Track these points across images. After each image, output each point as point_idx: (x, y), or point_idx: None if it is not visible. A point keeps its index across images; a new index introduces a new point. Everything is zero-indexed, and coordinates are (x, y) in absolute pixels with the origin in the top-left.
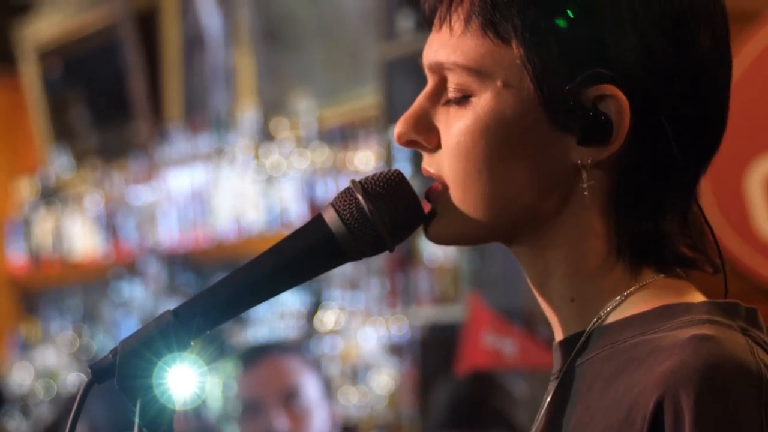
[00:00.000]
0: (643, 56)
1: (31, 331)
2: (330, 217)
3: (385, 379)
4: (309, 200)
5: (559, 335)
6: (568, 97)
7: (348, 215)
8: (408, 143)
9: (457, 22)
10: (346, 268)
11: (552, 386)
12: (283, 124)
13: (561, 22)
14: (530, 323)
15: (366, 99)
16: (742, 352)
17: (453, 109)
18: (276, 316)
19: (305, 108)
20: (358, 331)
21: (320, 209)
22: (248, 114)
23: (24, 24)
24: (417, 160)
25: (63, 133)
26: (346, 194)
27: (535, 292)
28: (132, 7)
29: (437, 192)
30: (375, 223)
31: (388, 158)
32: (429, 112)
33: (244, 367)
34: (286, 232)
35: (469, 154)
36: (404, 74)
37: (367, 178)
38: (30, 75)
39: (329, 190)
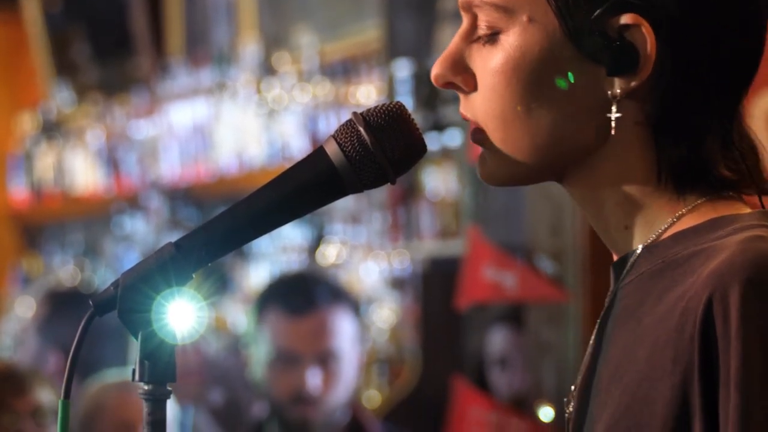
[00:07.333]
0: None
1: (33, 266)
2: (332, 149)
3: (386, 313)
4: (311, 134)
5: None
6: (593, 28)
7: (350, 147)
8: (446, 85)
9: None
10: (348, 202)
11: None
12: (285, 59)
13: None
14: (531, 257)
15: (368, 33)
16: None
17: (485, 49)
18: (278, 250)
19: (307, 42)
20: (359, 265)
21: (322, 142)
22: (250, 48)
23: None
24: (419, 94)
25: (64, 67)
26: (348, 126)
27: (593, 224)
28: None
29: (482, 134)
30: (376, 155)
31: (390, 92)
32: (464, 52)
33: (289, 316)
34: (288, 166)
35: (504, 94)
36: (406, 8)
37: (368, 111)
38: (31, 10)
39: (331, 124)
